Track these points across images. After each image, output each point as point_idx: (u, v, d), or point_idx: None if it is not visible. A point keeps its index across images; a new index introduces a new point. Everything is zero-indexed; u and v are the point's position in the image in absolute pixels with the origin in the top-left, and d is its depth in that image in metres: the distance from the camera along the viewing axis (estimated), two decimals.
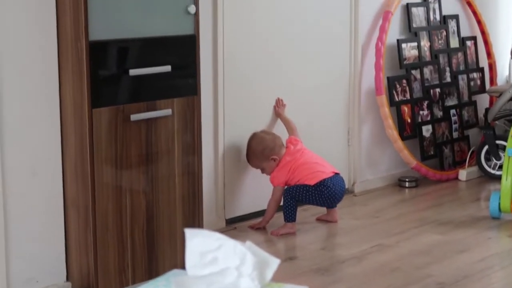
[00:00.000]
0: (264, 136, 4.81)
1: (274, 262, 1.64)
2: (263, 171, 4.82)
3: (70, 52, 3.56)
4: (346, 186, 5.49)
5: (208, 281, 1.60)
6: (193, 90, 3.96)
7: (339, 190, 4.77)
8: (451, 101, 6.22)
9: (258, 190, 4.92)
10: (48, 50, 3.60)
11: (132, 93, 3.72)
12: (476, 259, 4.24)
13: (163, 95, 3.83)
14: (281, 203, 4.75)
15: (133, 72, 3.68)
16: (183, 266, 1.68)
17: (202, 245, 1.63)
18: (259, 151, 4.77)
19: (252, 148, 4.80)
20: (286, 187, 4.73)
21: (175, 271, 1.70)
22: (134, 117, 3.68)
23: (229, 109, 4.74)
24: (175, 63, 3.87)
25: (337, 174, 4.81)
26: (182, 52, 3.93)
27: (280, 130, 5.00)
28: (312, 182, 4.69)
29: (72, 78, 3.57)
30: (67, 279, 3.75)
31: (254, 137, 4.81)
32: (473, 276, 4.00)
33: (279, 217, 4.74)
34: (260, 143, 4.78)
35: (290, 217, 4.69)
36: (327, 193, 4.71)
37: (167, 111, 3.83)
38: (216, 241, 1.63)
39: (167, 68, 3.83)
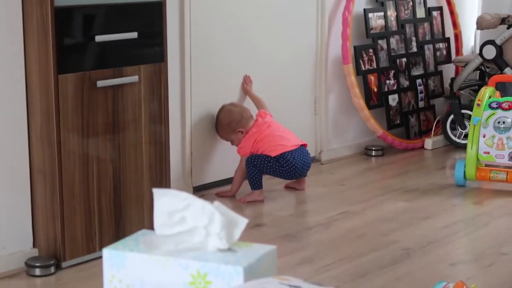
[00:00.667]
0: (231, 109, 4.81)
1: (242, 222, 1.65)
2: (232, 143, 4.83)
3: (35, 18, 3.53)
4: (313, 155, 5.52)
5: (177, 240, 1.60)
6: (160, 57, 3.95)
7: (300, 163, 4.76)
8: (417, 71, 6.25)
9: (225, 158, 4.92)
10: (12, 16, 3.56)
11: (98, 60, 3.69)
12: (441, 226, 4.29)
13: (130, 61, 3.81)
14: None
15: (99, 38, 3.66)
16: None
17: (170, 205, 1.63)
18: (226, 124, 4.77)
19: (219, 121, 4.81)
20: (250, 156, 4.73)
21: (144, 231, 1.70)
22: (100, 83, 3.66)
23: (196, 77, 4.72)
24: (141, 29, 3.85)
25: (302, 146, 4.82)
26: (148, 19, 3.91)
27: (249, 102, 5.01)
28: (273, 153, 4.71)
29: (37, 44, 3.54)
30: (34, 245, 3.74)
31: (222, 110, 4.81)
32: (438, 242, 4.04)
33: (248, 185, 4.76)
34: (227, 116, 4.78)
35: (255, 185, 4.70)
36: (287, 166, 4.71)
37: (134, 78, 3.81)
38: (184, 200, 1.63)
39: (134, 35, 3.81)
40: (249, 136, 4.77)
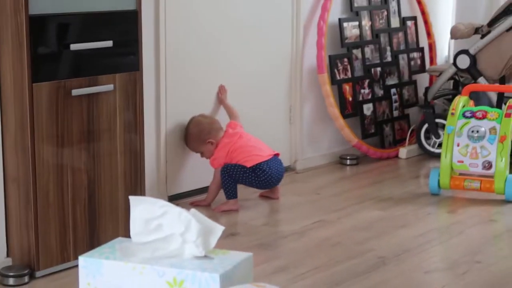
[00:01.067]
0: (201, 120, 4.81)
1: (219, 229, 1.65)
2: (202, 155, 4.82)
3: (9, 26, 3.50)
4: (288, 164, 5.53)
5: (153, 247, 1.60)
6: (135, 65, 3.94)
7: (275, 173, 4.77)
8: (391, 80, 6.28)
9: (200, 167, 4.91)
10: None
11: (73, 68, 3.68)
12: (416, 234, 4.30)
13: (105, 70, 3.80)
14: None
15: (74, 46, 3.64)
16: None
17: (147, 212, 1.63)
18: (196, 135, 4.76)
19: (189, 132, 4.79)
20: (225, 165, 4.73)
21: (120, 239, 1.70)
22: (75, 92, 3.64)
23: (171, 86, 4.72)
24: (117, 38, 3.84)
25: (275, 156, 4.82)
26: (124, 28, 3.90)
27: (223, 113, 5.01)
28: (248, 164, 4.71)
29: (12, 52, 3.52)
30: (8, 255, 3.72)
31: (191, 121, 4.81)
32: (413, 250, 4.06)
33: (223, 194, 4.75)
34: (197, 127, 4.77)
35: (230, 194, 4.70)
36: (263, 176, 4.72)
37: (109, 87, 3.80)
38: (160, 208, 1.63)
39: (109, 43, 3.80)
40: (221, 147, 4.76)
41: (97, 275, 1.60)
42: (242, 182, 4.74)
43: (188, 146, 4.83)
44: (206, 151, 4.78)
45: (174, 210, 1.58)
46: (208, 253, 1.60)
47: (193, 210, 1.58)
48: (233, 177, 4.69)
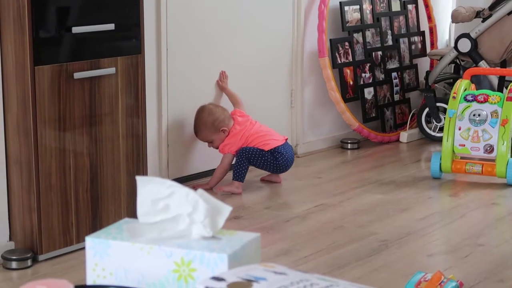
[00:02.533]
0: (213, 108, 4.81)
1: (226, 210, 1.64)
2: (211, 144, 4.81)
3: (11, 9, 3.50)
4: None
5: (160, 228, 1.59)
6: (137, 49, 3.93)
7: (290, 156, 4.84)
8: (392, 64, 6.27)
9: (201, 151, 4.91)
10: None
11: (75, 51, 3.67)
12: (418, 218, 4.31)
13: (107, 53, 3.79)
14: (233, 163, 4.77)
15: (76, 29, 3.63)
16: None
17: (154, 193, 1.62)
18: (210, 123, 4.75)
19: (202, 120, 4.77)
20: (242, 148, 4.73)
21: (126, 220, 1.69)
22: (77, 75, 3.64)
23: (172, 70, 4.71)
24: (118, 21, 3.83)
25: (286, 141, 4.87)
26: (125, 11, 3.89)
27: (225, 100, 5.01)
28: (266, 148, 4.74)
29: (13, 35, 3.51)
30: (10, 238, 3.72)
31: (203, 110, 4.79)
32: (415, 233, 4.06)
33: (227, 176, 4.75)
34: (211, 115, 4.77)
35: (239, 176, 4.70)
36: (281, 160, 4.76)
37: (111, 70, 3.79)
38: (168, 188, 1.62)
39: (111, 26, 3.79)
40: (234, 133, 4.76)
41: (104, 255, 1.59)
42: (258, 165, 4.77)
43: (198, 135, 4.81)
44: (217, 139, 4.78)
45: (181, 190, 1.57)
46: (216, 234, 1.59)
47: (200, 190, 1.57)
48: (250, 159, 4.72)
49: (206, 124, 4.76)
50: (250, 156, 4.71)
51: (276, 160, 4.75)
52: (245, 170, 4.71)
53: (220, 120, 4.76)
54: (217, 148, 4.80)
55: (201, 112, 4.78)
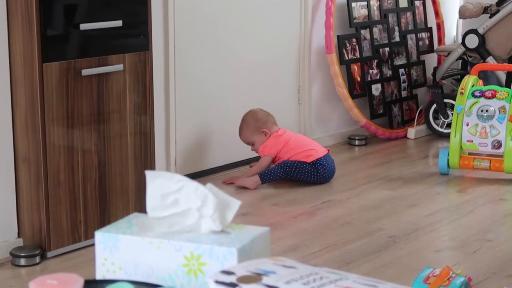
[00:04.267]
0: (258, 111, 4.92)
1: (235, 204, 1.64)
2: (252, 146, 4.87)
3: (19, 6, 3.50)
4: None
5: (170, 222, 1.59)
6: (145, 46, 3.93)
7: (331, 169, 4.87)
8: (400, 61, 6.26)
9: (209, 148, 4.92)
10: None
11: (83, 48, 3.68)
12: (426, 213, 4.31)
13: (115, 50, 3.79)
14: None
15: (83, 26, 3.64)
16: None
17: (163, 187, 1.62)
18: (252, 123, 4.84)
19: (245, 120, 4.87)
20: (283, 161, 4.77)
21: (136, 214, 1.69)
22: (85, 72, 3.64)
23: (180, 67, 4.71)
24: (126, 18, 3.83)
25: (328, 153, 4.91)
26: (133, 8, 3.89)
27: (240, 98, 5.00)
28: (308, 159, 4.76)
29: (21, 32, 3.52)
30: (19, 235, 3.72)
31: (249, 112, 4.91)
32: (423, 229, 4.06)
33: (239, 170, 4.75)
34: (254, 116, 4.87)
35: (265, 179, 4.73)
36: (322, 171, 4.79)
37: (119, 67, 3.79)
38: (177, 183, 1.62)
39: (118, 23, 3.79)
40: (275, 136, 4.83)
41: (114, 250, 1.60)
42: (299, 177, 4.77)
43: (241, 136, 4.88)
44: (258, 141, 4.83)
45: (190, 184, 1.57)
46: (225, 228, 1.59)
47: (209, 184, 1.58)
48: (290, 173, 4.74)
49: (248, 124, 4.85)
50: (289, 169, 4.74)
51: (317, 172, 4.77)
52: (274, 178, 4.75)
53: (262, 122, 4.84)
54: (256, 151, 4.86)
55: (247, 114, 4.90)
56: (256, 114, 4.88)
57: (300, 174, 4.75)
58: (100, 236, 1.63)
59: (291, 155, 4.79)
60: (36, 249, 3.62)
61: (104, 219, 3.81)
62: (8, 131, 3.63)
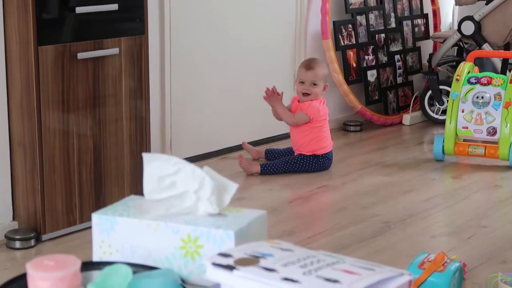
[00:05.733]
0: None
1: (232, 187, 1.65)
2: (309, 89, 4.76)
3: None
4: None
5: (167, 204, 1.60)
6: (141, 29, 3.92)
7: (331, 161, 4.89)
8: (395, 47, 6.25)
9: (204, 133, 4.91)
10: None
11: (78, 32, 3.66)
12: (421, 199, 4.31)
13: (110, 33, 3.78)
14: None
15: (79, 9, 3.62)
16: None
17: (160, 170, 1.62)
18: (325, 71, 4.85)
19: (322, 64, 4.86)
20: (288, 158, 4.77)
21: (133, 197, 1.69)
22: (81, 55, 3.63)
23: (176, 51, 4.70)
24: (122, 2, 3.81)
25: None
26: None
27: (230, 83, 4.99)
28: (321, 152, 4.76)
29: (17, 15, 3.50)
30: (14, 218, 3.72)
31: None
32: (418, 215, 4.06)
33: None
34: (326, 69, 4.93)
35: (265, 170, 4.71)
36: (327, 164, 4.82)
37: (114, 50, 3.78)
38: (174, 165, 1.62)
39: (114, 7, 3.77)
40: (323, 103, 4.81)
41: (111, 232, 1.60)
42: (300, 170, 4.76)
43: (312, 69, 4.77)
44: (318, 87, 4.77)
45: (187, 167, 1.57)
46: (222, 211, 1.60)
47: (206, 167, 1.58)
48: (291, 168, 4.73)
49: (324, 68, 4.84)
50: (292, 165, 4.74)
51: (321, 164, 4.77)
52: (275, 172, 4.72)
53: (326, 80, 4.85)
54: (307, 95, 4.76)
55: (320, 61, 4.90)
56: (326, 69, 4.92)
57: (302, 167, 4.75)
58: (97, 218, 1.63)
59: (315, 137, 4.76)
60: (31, 232, 3.62)
61: (99, 203, 3.80)
62: (3, 115, 3.62)
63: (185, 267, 1.55)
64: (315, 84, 4.76)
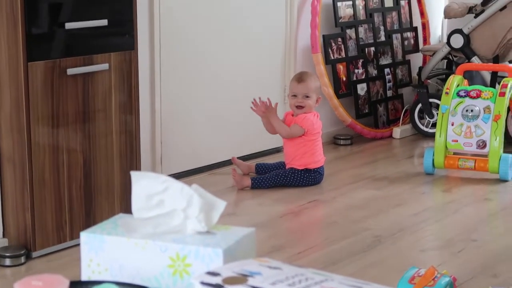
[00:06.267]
0: None
1: (221, 204, 1.64)
2: (302, 102, 4.77)
3: (4, 4, 3.48)
4: (282, 144, 5.51)
5: (155, 223, 1.59)
6: (130, 45, 3.92)
7: (323, 176, 4.87)
8: (385, 60, 6.27)
9: (195, 148, 4.91)
10: None
11: (68, 47, 3.66)
12: (412, 213, 4.32)
13: (100, 49, 3.78)
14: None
15: (69, 25, 3.63)
16: None
17: (148, 188, 1.62)
18: (318, 83, 4.89)
19: (314, 76, 4.92)
20: (278, 171, 4.76)
21: (121, 215, 1.68)
22: (70, 71, 3.63)
23: (165, 66, 4.70)
24: (111, 17, 3.82)
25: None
26: (118, 7, 3.88)
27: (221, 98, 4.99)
28: (313, 166, 4.76)
29: (6, 31, 3.50)
30: (4, 235, 3.71)
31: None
32: (408, 229, 4.07)
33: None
34: (318, 81, 4.96)
35: (256, 184, 4.71)
36: (318, 178, 4.81)
37: (104, 66, 3.78)
38: (162, 183, 1.61)
39: (104, 22, 3.78)
40: (316, 116, 4.83)
41: (99, 251, 1.59)
42: (291, 185, 4.76)
43: (304, 82, 4.79)
44: (312, 101, 4.79)
45: (175, 185, 1.57)
46: (211, 229, 1.59)
47: (194, 185, 1.58)
48: (281, 182, 4.73)
49: (316, 81, 4.87)
50: (283, 179, 4.74)
51: (312, 179, 4.77)
52: (265, 186, 4.71)
53: (319, 92, 4.89)
54: (301, 108, 4.77)
55: (311, 73, 4.95)
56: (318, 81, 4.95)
57: (293, 182, 4.74)
58: (86, 237, 1.62)
59: (308, 150, 4.76)
60: (21, 249, 3.61)
61: (90, 219, 3.80)
62: None
63: (174, 286, 1.54)
64: (307, 97, 4.77)
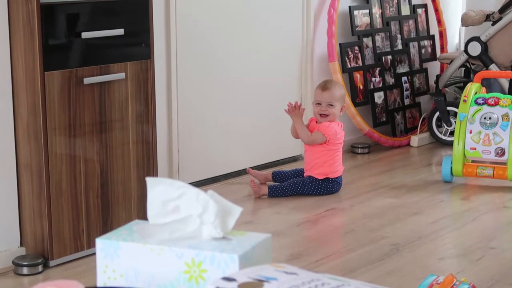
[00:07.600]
0: None
1: (237, 210, 1.63)
2: (326, 110, 4.77)
3: (21, 14, 3.50)
4: (300, 153, 5.51)
5: (171, 229, 1.59)
6: (147, 54, 3.93)
7: (341, 185, 4.87)
8: (402, 68, 6.26)
9: (211, 157, 4.91)
10: None
11: (85, 57, 3.67)
12: (429, 221, 4.29)
13: (116, 58, 3.79)
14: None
15: (85, 35, 3.64)
16: None
17: (164, 194, 1.61)
18: (342, 92, 4.87)
19: (338, 84, 4.90)
20: (296, 180, 4.74)
21: (137, 221, 1.68)
22: (87, 80, 3.64)
23: (182, 75, 4.71)
24: (128, 26, 3.83)
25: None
26: (135, 16, 3.89)
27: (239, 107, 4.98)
28: (333, 175, 4.75)
29: (23, 41, 3.52)
30: (21, 244, 3.72)
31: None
32: (426, 237, 4.04)
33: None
34: (343, 89, 4.92)
35: (273, 193, 4.69)
36: (336, 187, 4.80)
37: (121, 75, 3.79)
38: (178, 189, 1.61)
39: (120, 32, 3.79)
40: (340, 126, 4.81)
41: (114, 257, 1.59)
42: (309, 193, 4.75)
43: (329, 90, 4.78)
44: (337, 109, 4.78)
45: (191, 191, 1.56)
46: (226, 234, 1.59)
47: (210, 191, 1.57)
48: (299, 191, 4.71)
49: (341, 89, 4.85)
50: (300, 187, 4.72)
51: (330, 188, 4.75)
52: (283, 195, 4.71)
53: (344, 101, 4.86)
54: (325, 116, 4.76)
55: (336, 82, 4.93)
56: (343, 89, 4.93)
57: (310, 191, 4.73)
58: (101, 243, 1.62)
59: (329, 159, 4.74)
60: (39, 258, 3.62)
61: (107, 228, 3.80)
62: (10, 139, 3.63)
63: None
64: (331, 105, 4.76)
